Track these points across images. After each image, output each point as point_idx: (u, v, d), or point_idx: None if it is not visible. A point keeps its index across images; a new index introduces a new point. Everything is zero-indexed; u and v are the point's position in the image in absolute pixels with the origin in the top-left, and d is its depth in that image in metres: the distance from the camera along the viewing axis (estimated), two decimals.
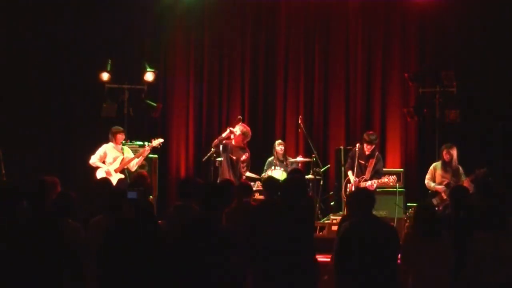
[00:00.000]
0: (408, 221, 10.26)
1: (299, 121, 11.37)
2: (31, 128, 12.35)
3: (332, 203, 11.57)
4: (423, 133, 12.32)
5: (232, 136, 10.10)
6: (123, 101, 11.93)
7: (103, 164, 10.49)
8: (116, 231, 5.29)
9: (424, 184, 10.31)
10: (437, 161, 10.30)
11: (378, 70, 12.65)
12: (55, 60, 12.49)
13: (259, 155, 11.93)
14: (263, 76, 12.91)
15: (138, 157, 10.65)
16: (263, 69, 12.89)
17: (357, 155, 10.20)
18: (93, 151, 10.68)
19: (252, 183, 9.16)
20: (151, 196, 9.13)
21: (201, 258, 5.23)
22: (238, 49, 12.82)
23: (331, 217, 10.70)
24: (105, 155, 10.52)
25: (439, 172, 10.03)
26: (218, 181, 9.61)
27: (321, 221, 10.80)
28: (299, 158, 11.27)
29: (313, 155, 10.99)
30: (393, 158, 12.32)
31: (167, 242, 5.37)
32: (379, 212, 9.76)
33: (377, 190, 10.16)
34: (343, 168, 10.81)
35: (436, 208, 9.55)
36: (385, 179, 10.12)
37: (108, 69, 11.90)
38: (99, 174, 10.31)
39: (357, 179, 10.12)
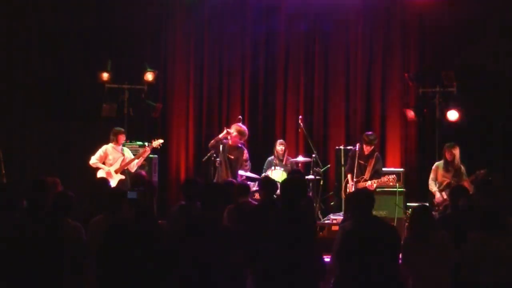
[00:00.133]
0: (408, 221, 10.26)
1: (299, 121, 11.37)
2: (31, 128, 12.36)
3: (332, 203, 11.57)
4: (423, 133, 12.32)
5: (229, 137, 10.16)
6: (123, 101, 11.93)
7: (103, 165, 10.48)
8: (116, 231, 5.29)
9: (424, 183, 10.30)
10: (439, 161, 10.30)
11: (378, 70, 12.64)
12: (55, 60, 12.48)
13: (259, 155, 11.93)
14: (263, 76, 12.90)
15: (138, 158, 10.65)
16: (263, 69, 12.89)
17: (357, 155, 10.20)
18: (93, 151, 10.68)
19: (252, 183, 9.18)
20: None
21: (201, 257, 5.23)
22: (238, 49, 12.81)
23: (331, 217, 10.69)
24: (105, 155, 10.52)
25: (440, 171, 10.04)
26: (215, 181, 9.65)
27: (321, 221, 10.80)
28: (299, 158, 11.27)
29: (313, 155, 10.98)
30: (393, 158, 12.32)
31: (168, 242, 5.37)
32: (379, 212, 9.76)
33: (377, 190, 10.17)
34: (343, 168, 10.81)
35: (437, 208, 9.58)
36: (384, 179, 10.13)
37: (108, 69, 11.90)
38: (100, 175, 10.30)
39: (355, 180, 10.13)
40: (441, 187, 10.00)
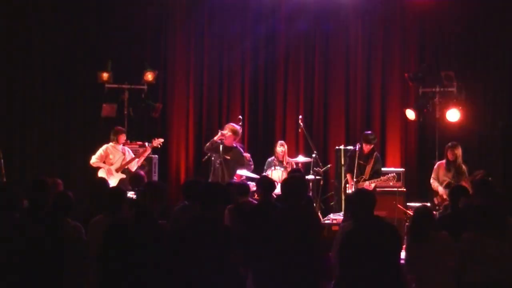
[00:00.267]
0: (408, 221, 10.26)
1: (299, 121, 11.37)
2: (31, 128, 12.36)
3: (332, 203, 11.57)
4: (423, 133, 12.32)
5: (224, 138, 10.22)
6: (123, 101, 11.93)
7: (104, 164, 10.49)
8: (116, 231, 5.29)
9: (424, 183, 10.29)
10: (441, 160, 10.32)
11: (378, 70, 12.65)
12: (55, 60, 12.49)
13: (259, 155, 11.95)
14: (263, 76, 12.91)
15: (138, 157, 10.66)
16: (263, 69, 12.89)
17: (357, 155, 10.21)
18: (93, 151, 10.69)
19: (252, 183, 9.18)
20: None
21: (201, 257, 5.23)
22: (238, 49, 12.81)
23: (331, 217, 10.69)
24: (106, 155, 10.52)
25: (442, 171, 10.04)
26: (210, 181, 9.68)
27: (321, 221, 10.80)
28: (300, 158, 11.27)
29: (314, 154, 10.97)
30: (393, 158, 12.33)
31: (168, 242, 5.37)
32: (379, 212, 9.74)
33: (377, 190, 10.18)
34: (343, 168, 10.82)
35: (437, 208, 9.58)
36: (384, 179, 10.15)
37: (108, 69, 11.90)
38: (101, 175, 10.31)
39: (355, 180, 10.13)
40: (442, 186, 10.00)
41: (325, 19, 12.69)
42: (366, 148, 10.27)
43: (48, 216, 5.63)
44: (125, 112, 11.90)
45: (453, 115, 11.30)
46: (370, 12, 12.62)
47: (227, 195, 5.69)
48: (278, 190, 9.17)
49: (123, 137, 10.68)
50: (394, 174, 10.50)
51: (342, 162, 11.03)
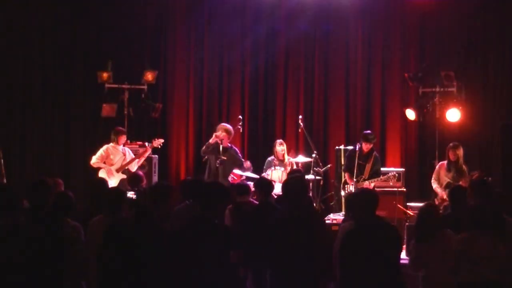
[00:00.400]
0: (408, 221, 10.26)
1: (299, 121, 11.37)
2: (31, 128, 12.36)
3: (332, 203, 11.57)
4: (423, 133, 12.32)
5: (218, 140, 10.27)
6: (123, 101, 11.93)
7: (104, 165, 10.49)
8: (116, 231, 5.29)
9: (424, 183, 10.29)
10: (441, 161, 10.32)
11: (378, 70, 12.64)
12: (55, 60, 12.49)
13: (259, 155, 11.96)
14: (263, 76, 12.91)
15: (139, 158, 10.66)
16: (263, 69, 12.89)
17: (357, 155, 10.21)
18: (93, 151, 10.69)
19: (252, 183, 9.18)
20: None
21: (201, 257, 5.23)
22: (238, 49, 12.81)
23: (331, 217, 10.69)
24: (107, 155, 10.52)
25: (443, 171, 10.04)
26: (210, 181, 9.70)
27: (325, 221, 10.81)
28: (299, 158, 11.27)
29: (314, 154, 10.96)
30: (393, 158, 12.33)
31: (168, 241, 5.37)
32: (379, 212, 9.73)
33: (377, 190, 10.15)
34: (343, 168, 10.83)
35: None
36: (384, 178, 10.15)
37: (108, 69, 11.89)
38: (101, 175, 10.31)
39: (355, 180, 10.14)
40: (441, 187, 10.00)
41: (325, 19, 12.69)
42: (366, 147, 10.28)
43: (48, 216, 5.63)
44: (125, 112, 11.90)
45: (453, 115, 11.30)
46: (370, 12, 12.62)
47: (227, 195, 5.69)
48: (278, 190, 9.19)
49: (123, 138, 10.68)
50: (394, 173, 10.51)
51: (342, 162, 11.04)
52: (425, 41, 12.54)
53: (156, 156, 11.62)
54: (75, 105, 12.53)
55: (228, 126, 10.63)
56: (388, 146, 12.45)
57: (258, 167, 11.14)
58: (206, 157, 10.70)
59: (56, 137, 12.49)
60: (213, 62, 12.87)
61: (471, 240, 5.63)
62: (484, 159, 11.87)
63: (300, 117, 11.54)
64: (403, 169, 11.42)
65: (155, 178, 11.48)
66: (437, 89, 11.55)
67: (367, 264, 5.34)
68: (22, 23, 12.37)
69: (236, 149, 10.77)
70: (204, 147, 10.59)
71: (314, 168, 10.97)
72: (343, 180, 10.65)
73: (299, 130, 11.52)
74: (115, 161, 10.50)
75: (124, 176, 10.47)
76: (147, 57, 12.54)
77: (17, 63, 12.36)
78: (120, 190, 6.77)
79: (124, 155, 10.62)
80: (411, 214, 10.40)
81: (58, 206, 5.91)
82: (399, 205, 10.55)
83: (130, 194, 8.43)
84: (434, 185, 10.08)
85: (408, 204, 10.74)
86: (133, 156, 10.65)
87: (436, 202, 9.89)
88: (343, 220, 7.77)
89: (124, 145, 10.77)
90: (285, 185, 5.89)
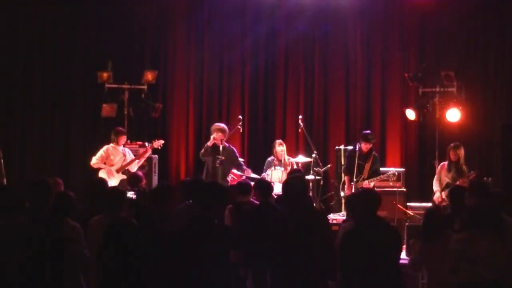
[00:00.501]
0: (408, 221, 10.27)
1: (299, 121, 11.37)
2: (31, 128, 12.36)
3: (332, 203, 11.57)
4: (423, 133, 12.32)
5: (218, 140, 10.29)
6: (123, 101, 11.93)
7: (104, 165, 10.48)
8: (116, 231, 5.29)
9: (424, 183, 10.30)
10: (441, 161, 10.33)
11: (378, 70, 12.64)
12: (55, 60, 12.49)
13: (259, 155, 11.95)
14: (263, 76, 12.91)
15: (139, 158, 10.65)
16: (263, 69, 12.89)
17: (357, 155, 10.22)
18: (93, 151, 10.68)
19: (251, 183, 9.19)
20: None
21: (201, 257, 5.23)
22: (238, 49, 12.81)
23: (331, 217, 10.69)
24: (107, 155, 10.50)
25: (443, 171, 10.04)
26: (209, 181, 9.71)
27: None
28: (300, 158, 11.27)
29: (314, 154, 10.97)
30: (393, 158, 12.32)
31: (168, 241, 5.37)
32: (379, 212, 9.73)
33: (377, 190, 10.15)
34: (343, 168, 10.83)
35: None
36: (384, 178, 10.16)
37: (108, 69, 11.90)
38: (101, 175, 10.30)
39: (355, 180, 10.14)
40: (441, 187, 10.00)
41: (325, 19, 12.69)
42: (365, 147, 10.28)
43: (48, 216, 5.63)
44: (125, 112, 11.90)
45: (453, 115, 11.30)
46: (370, 12, 12.61)
47: (226, 195, 5.69)
48: (278, 190, 9.20)
49: (123, 139, 10.67)
50: (394, 172, 10.51)
51: (342, 162, 11.04)
52: (425, 41, 12.53)
53: (156, 156, 11.62)
54: (75, 105, 12.53)
55: (222, 125, 10.59)
56: (388, 146, 12.44)
57: (258, 167, 11.13)
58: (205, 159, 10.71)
59: (56, 137, 12.49)
60: (213, 62, 12.87)
61: (470, 240, 5.63)
62: (484, 159, 11.88)
63: (300, 117, 11.54)
64: (403, 169, 11.41)
65: (155, 178, 11.48)
66: (437, 89, 11.54)
67: (367, 264, 5.34)
68: (22, 23, 12.38)
69: (234, 148, 10.74)
70: (202, 150, 10.56)
71: (314, 168, 10.97)
72: (342, 180, 10.66)
73: (299, 130, 11.53)
74: (115, 162, 10.49)
75: (124, 177, 10.46)
76: (147, 57, 12.54)
77: (17, 63, 12.36)
78: (120, 190, 6.76)
79: (124, 155, 10.61)
80: (411, 214, 10.42)
81: (58, 206, 5.90)
82: (399, 205, 10.56)
83: (130, 194, 8.43)
84: (435, 187, 10.07)
85: (408, 204, 10.76)
86: (133, 157, 10.65)
87: (436, 202, 9.88)
88: (344, 221, 7.78)
89: (124, 146, 10.77)
90: (285, 184, 5.88)
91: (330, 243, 5.70)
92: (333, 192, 11.63)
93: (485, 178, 10.05)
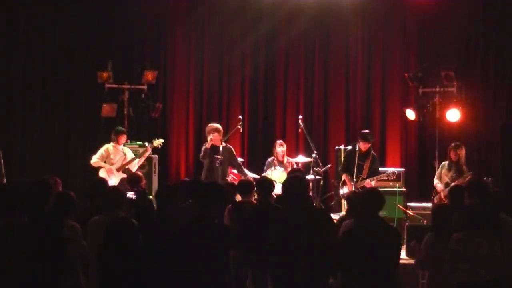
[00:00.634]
0: (408, 221, 10.27)
1: (299, 121, 11.37)
2: (31, 128, 12.37)
3: (332, 203, 11.57)
4: (423, 133, 12.32)
5: (216, 143, 10.30)
6: (123, 101, 11.94)
7: (105, 164, 10.49)
8: (116, 231, 5.29)
9: (424, 183, 10.29)
10: (441, 161, 10.33)
11: (378, 70, 12.65)
12: (55, 60, 12.50)
13: (259, 155, 11.95)
14: (263, 76, 12.91)
15: (139, 158, 10.66)
16: (263, 69, 12.90)
17: (357, 155, 10.21)
18: (93, 151, 10.69)
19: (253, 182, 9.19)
20: (151, 196, 9.13)
21: (201, 257, 5.23)
22: (238, 49, 12.81)
23: (331, 217, 10.68)
24: (107, 154, 10.52)
25: (444, 171, 10.04)
26: (204, 181, 9.71)
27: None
28: (300, 158, 11.27)
29: (314, 154, 10.96)
30: (393, 158, 12.33)
31: (169, 241, 5.37)
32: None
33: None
34: (340, 168, 10.83)
35: None
36: (384, 177, 10.17)
37: (108, 69, 11.90)
38: (101, 174, 10.31)
39: (355, 180, 10.14)
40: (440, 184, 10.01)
41: (325, 19, 12.70)
42: (364, 146, 10.27)
43: (48, 216, 5.63)
44: (125, 112, 11.90)
45: (453, 115, 11.30)
46: (370, 12, 12.62)
47: (225, 195, 5.69)
48: (278, 190, 9.19)
49: (123, 138, 10.68)
50: (394, 171, 10.50)
51: (342, 162, 11.03)
52: (425, 41, 12.54)
53: (156, 156, 11.62)
54: (75, 105, 12.54)
55: (216, 125, 10.53)
56: (388, 146, 12.45)
57: (258, 167, 11.13)
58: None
59: (56, 137, 12.49)
60: (213, 62, 12.87)
61: (468, 240, 5.63)
62: (484, 159, 11.88)
63: (300, 117, 11.54)
64: (403, 169, 11.40)
65: (155, 178, 11.48)
66: (437, 89, 11.54)
67: (366, 264, 5.34)
68: (22, 23, 12.38)
69: (231, 147, 10.72)
70: (202, 153, 10.52)
71: (314, 168, 10.97)
72: (342, 180, 10.65)
73: (299, 130, 11.52)
74: (115, 161, 10.50)
75: (125, 176, 10.46)
76: (147, 57, 12.54)
77: (17, 63, 12.36)
78: (119, 190, 6.76)
79: (125, 154, 10.62)
80: (411, 214, 10.42)
81: (58, 206, 5.90)
82: (399, 205, 10.56)
83: (130, 194, 8.43)
84: (437, 184, 10.04)
85: (408, 204, 10.75)
86: (133, 156, 10.65)
87: (436, 202, 9.88)
88: (341, 218, 7.78)
89: (124, 145, 10.78)
90: (285, 184, 5.88)
91: (332, 242, 5.69)
92: (333, 192, 11.63)
93: (485, 178, 10.05)
